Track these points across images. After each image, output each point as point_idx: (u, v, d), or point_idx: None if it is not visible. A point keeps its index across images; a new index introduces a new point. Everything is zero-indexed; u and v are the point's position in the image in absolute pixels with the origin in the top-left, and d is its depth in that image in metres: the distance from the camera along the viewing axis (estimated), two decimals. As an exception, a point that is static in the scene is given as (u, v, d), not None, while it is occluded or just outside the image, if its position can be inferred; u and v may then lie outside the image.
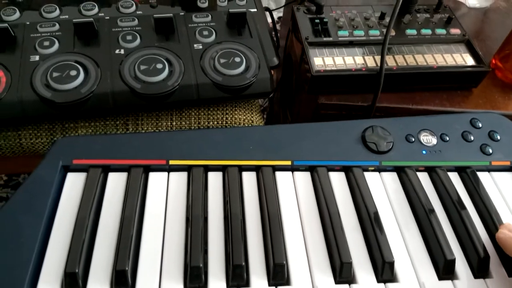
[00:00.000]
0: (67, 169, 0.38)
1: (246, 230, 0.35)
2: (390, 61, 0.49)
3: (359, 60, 0.49)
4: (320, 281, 0.32)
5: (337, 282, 0.32)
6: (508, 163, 0.41)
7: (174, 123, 0.48)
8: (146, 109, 0.47)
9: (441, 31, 0.53)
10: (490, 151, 0.41)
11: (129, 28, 0.49)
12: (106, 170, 0.38)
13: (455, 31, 0.53)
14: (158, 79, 0.44)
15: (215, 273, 0.32)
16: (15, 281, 0.30)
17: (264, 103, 0.96)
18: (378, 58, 0.49)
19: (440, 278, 0.33)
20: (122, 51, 0.46)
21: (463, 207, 0.37)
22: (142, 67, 0.44)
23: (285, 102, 0.67)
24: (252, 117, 0.51)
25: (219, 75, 0.46)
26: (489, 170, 0.41)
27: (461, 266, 0.34)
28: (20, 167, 0.56)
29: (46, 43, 0.46)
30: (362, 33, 0.51)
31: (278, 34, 0.72)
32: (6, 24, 0.45)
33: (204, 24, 0.50)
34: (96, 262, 0.32)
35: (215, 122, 0.49)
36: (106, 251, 0.33)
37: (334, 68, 0.48)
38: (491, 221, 0.36)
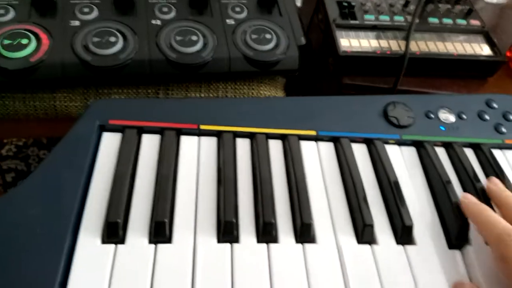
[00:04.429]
0: (103, 128, 0.39)
1: (273, 193, 0.36)
2: (413, 47, 0.51)
3: (383, 43, 0.51)
4: (343, 241, 0.34)
5: (359, 242, 0.35)
6: (520, 142, 0.43)
7: (202, 95, 0.51)
8: (180, 79, 0.49)
9: (461, 22, 0.55)
10: (504, 130, 0.43)
11: (164, 0, 0.51)
12: (140, 131, 0.40)
13: (475, 22, 0.55)
14: (193, 50, 0.46)
15: (246, 229, 0.34)
16: (60, 229, 0.31)
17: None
18: (402, 42, 0.51)
19: (452, 245, 0.35)
20: (159, 22, 0.48)
21: (478, 180, 0.39)
22: (178, 38, 0.46)
23: (301, 92, 0.69)
24: (276, 93, 0.53)
25: (250, 50, 0.48)
26: (501, 148, 0.44)
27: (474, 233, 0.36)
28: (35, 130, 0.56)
29: (86, 10, 0.48)
30: (387, 18, 0.53)
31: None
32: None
33: (236, 1, 0.52)
34: (135, 214, 0.34)
35: (241, 96, 0.51)
36: (144, 206, 0.34)
37: (360, 50, 0.50)
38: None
